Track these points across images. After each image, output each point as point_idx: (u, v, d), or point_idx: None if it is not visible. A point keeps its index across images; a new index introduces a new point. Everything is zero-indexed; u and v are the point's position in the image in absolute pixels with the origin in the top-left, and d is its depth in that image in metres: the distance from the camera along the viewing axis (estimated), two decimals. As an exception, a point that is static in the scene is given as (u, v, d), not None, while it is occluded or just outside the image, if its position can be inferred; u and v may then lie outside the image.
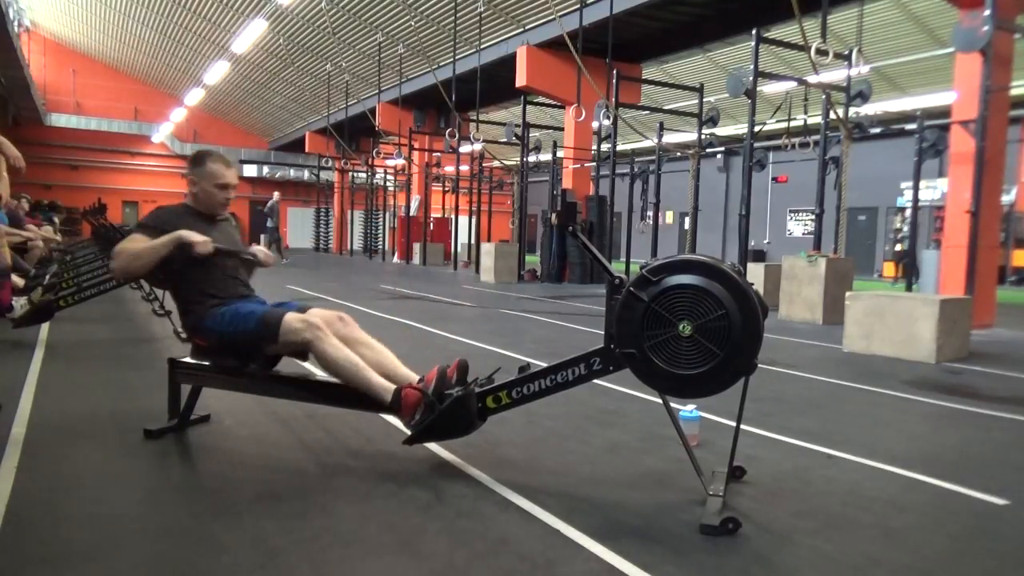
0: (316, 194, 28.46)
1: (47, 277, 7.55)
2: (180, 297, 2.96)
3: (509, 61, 14.77)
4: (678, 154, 17.12)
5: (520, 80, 14.24)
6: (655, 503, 2.53)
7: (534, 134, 16.45)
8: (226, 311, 2.85)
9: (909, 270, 10.46)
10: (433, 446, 2.94)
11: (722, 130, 17.15)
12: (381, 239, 23.82)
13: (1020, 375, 5.41)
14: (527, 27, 14.61)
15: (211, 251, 2.84)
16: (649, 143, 13.81)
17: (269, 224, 18.69)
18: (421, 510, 2.36)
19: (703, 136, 13.15)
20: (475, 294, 11.02)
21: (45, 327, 5.81)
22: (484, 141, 15.47)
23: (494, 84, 15.95)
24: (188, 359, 3.13)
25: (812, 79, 9.24)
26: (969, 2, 8.00)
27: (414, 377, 2.78)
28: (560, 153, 15.04)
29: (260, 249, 3.15)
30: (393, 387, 2.67)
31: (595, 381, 2.64)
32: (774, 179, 19.98)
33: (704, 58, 17.28)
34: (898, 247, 18.33)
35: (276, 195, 19.19)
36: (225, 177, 3.02)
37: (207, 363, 3.11)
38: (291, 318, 2.74)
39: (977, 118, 7.75)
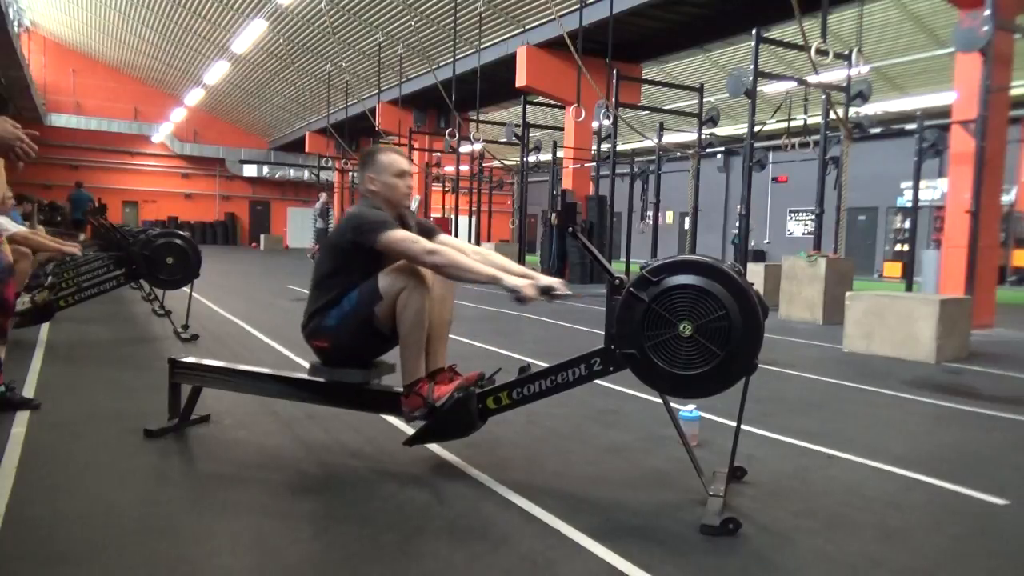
0: (316, 194, 28.44)
1: (47, 277, 7.55)
2: (322, 299, 2.74)
3: (509, 61, 14.77)
4: (678, 154, 17.12)
5: (520, 80, 14.24)
6: (655, 503, 2.53)
7: (534, 134, 16.45)
8: (335, 310, 2.73)
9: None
10: (433, 446, 2.94)
11: (722, 130, 17.14)
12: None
13: (1020, 375, 5.41)
14: (527, 27, 14.61)
15: (535, 296, 2.49)
16: (649, 143, 13.81)
17: (319, 225, 18.84)
18: (421, 510, 2.37)
19: (703, 136, 13.14)
20: (475, 294, 11.02)
21: (45, 327, 5.81)
22: (484, 141, 15.47)
23: (494, 84, 15.95)
24: (188, 359, 3.14)
25: (812, 79, 9.24)
26: (969, 2, 8.00)
27: (446, 365, 2.77)
28: (560, 153, 15.04)
29: (557, 281, 2.59)
30: (421, 375, 2.65)
31: (595, 381, 2.64)
32: (774, 179, 19.98)
33: (704, 58, 17.28)
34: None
35: (323, 196, 19.40)
36: (402, 164, 2.83)
37: (207, 363, 3.12)
38: (383, 274, 2.62)
39: (977, 118, 7.75)
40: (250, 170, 30.40)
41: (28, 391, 3.72)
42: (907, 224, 16.92)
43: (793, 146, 11.46)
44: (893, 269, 18.52)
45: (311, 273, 2.85)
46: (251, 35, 17.79)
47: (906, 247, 15.09)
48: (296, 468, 2.78)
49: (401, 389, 2.69)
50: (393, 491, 2.52)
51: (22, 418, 3.25)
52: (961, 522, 2.46)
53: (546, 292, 2.52)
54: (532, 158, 16.04)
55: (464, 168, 20.77)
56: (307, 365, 2.89)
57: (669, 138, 15.86)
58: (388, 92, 19.45)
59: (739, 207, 9.80)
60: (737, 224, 15.99)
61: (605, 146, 13.34)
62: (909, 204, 10.53)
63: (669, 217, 24.22)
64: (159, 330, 6.15)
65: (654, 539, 2.20)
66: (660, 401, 2.54)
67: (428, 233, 2.86)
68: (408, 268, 2.64)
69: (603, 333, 2.49)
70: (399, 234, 2.61)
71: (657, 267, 2.39)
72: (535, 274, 2.63)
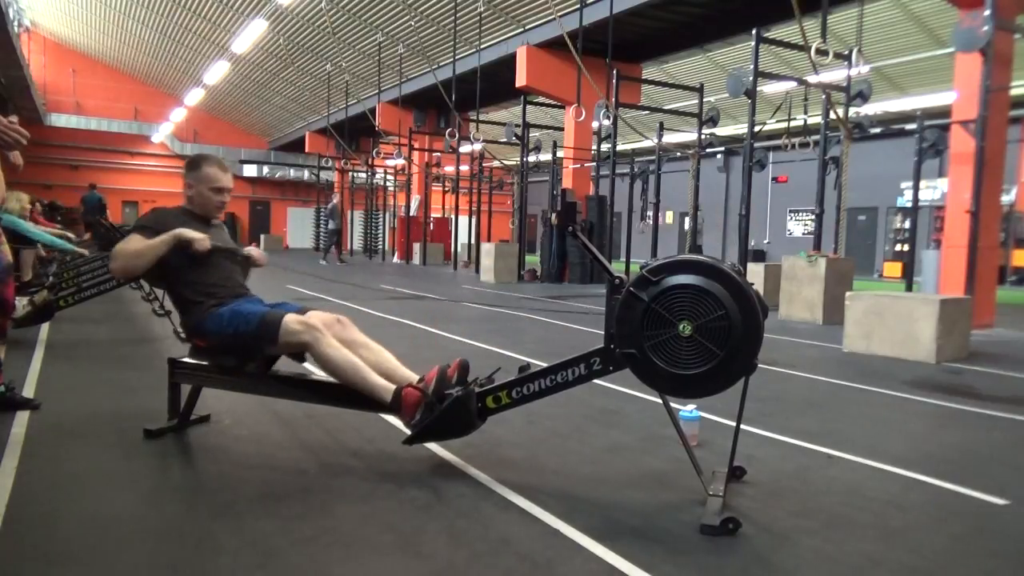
0: (316, 194, 28.46)
1: (48, 277, 7.55)
2: (178, 297, 2.97)
3: (509, 61, 14.77)
4: (678, 154, 17.12)
5: (520, 80, 14.25)
6: (655, 503, 2.53)
7: (534, 134, 16.44)
8: (225, 311, 2.86)
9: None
10: (433, 446, 2.94)
11: (722, 130, 17.14)
12: (381, 239, 23.83)
13: (1020, 375, 5.41)
14: (527, 27, 14.61)
15: (208, 248, 2.87)
16: (649, 143, 13.81)
17: (331, 226, 19.03)
18: (421, 510, 2.37)
19: (703, 136, 13.15)
20: (475, 294, 11.02)
21: (45, 327, 5.81)
22: (484, 141, 15.47)
23: (494, 84, 15.95)
24: (188, 359, 3.13)
25: (812, 79, 9.24)
26: (969, 2, 8.00)
27: (414, 377, 2.78)
28: (560, 153, 15.04)
29: (254, 249, 3.21)
30: (393, 387, 2.67)
31: (595, 381, 2.64)
32: (774, 179, 19.98)
33: (704, 58, 17.28)
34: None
35: (336, 198, 19.58)
36: (221, 181, 3.08)
37: (207, 363, 3.12)
38: (290, 320, 2.74)
39: (977, 118, 7.75)
40: (250, 170, 30.41)
41: (28, 391, 3.72)
42: (907, 224, 16.93)
43: (793, 146, 11.46)
44: (893, 269, 18.52)
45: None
46: (251, 35, 17.80)
47: (906, 247, 15.10)
48: (296, 468, 2.78)
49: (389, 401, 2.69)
50: (393, 491, 2.52)
51: (22, 418, 3.25)
52: (961, 522, 2.46)
53: (228, 252, 2.94)
54: (532, 158, 16.04)
55: (464, 168, 20.77)
56: (307, 365, 2.90)
57: (669, 138, 15.86)
58: (388, 92, 19.45)
59: (740, 208, 9.79)
60: (689, 225, 15.89)
61: (605, 146, 13.34)
62: (909, 204, 10.54)
63: (669, 217, 24.22)
64: (159, 330, 6.14)
65: (654, 539, 2.20)
66: (660, 401, 2.54)
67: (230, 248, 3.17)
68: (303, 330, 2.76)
69: (603, 333, 2.49)
70: (120, 243, 2.89)
71: (657, 267, 2.39)
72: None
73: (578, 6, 12.26)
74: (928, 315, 5.76)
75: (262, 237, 28.22)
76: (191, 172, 3.08)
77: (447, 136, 16.29)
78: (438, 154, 20.10)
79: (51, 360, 4.69)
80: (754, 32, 9.12)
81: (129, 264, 2.84)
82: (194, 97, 26.03)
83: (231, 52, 20.23)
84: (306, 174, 30.08)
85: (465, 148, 18.02)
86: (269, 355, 2.90)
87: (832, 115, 9.28)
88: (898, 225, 19.97)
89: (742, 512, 2.35)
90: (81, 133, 27.20)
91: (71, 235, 6.98)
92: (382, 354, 2.88)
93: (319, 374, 2.96)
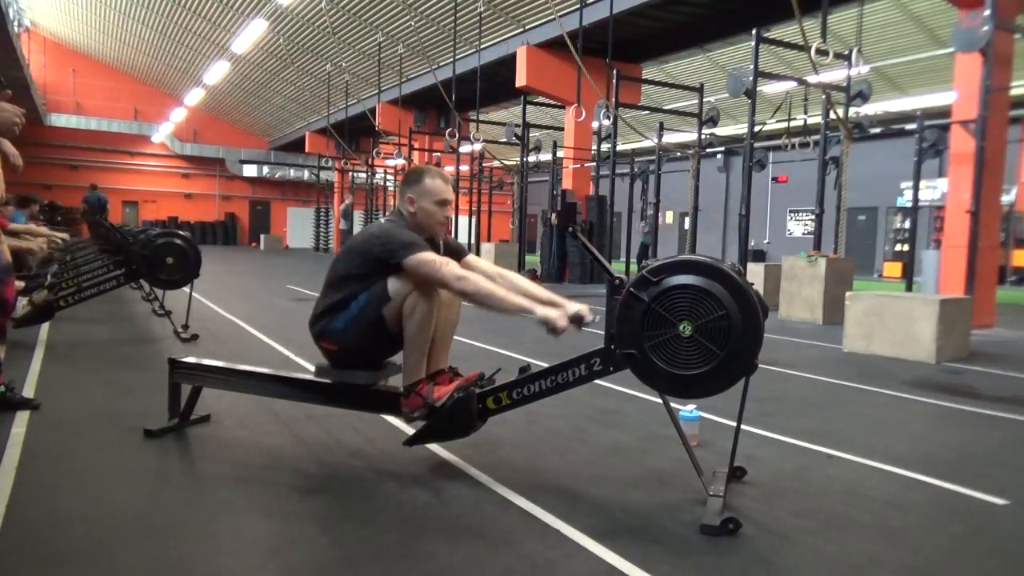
0: (316, 194, 28.45)
1: (48, 277, 7.56)
2: (332, 302, 2.72)
3: (509, 61, 14.76)
4: (678, 154, 17.12)
5: (520, 80, 14.24)
6: (655, 503, 2.53)
7: (534, 134, 16.44)
8: (347, 309, 2.71)
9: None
10: (433, 446, 2.94)
11: (722, 130, 17.13)
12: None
13: (1020, 375, 5.41)
14: (527, 27, 14.60)
15: (566, 328, 2.47)
16: (649, 143, 13.81)
17: (343, 227, 19.19)
18: (421, 510, 2.37)
19: (703, 136, 13.14)
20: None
21: (45, 327, 5.81)
22: (484, 141, 15.46)
23: (494, 84, 15.94)
24: (188, 359, 3.14)
25: (812, 79, 9.23)
26: (969, 2, 8.00)
27: (446, 367, 2.82)
28: (560, 153, 15.04)
29: (584, 308, 2.54)
30: (422, 376, 2.67)
31: (595, 381, 2.64)
32: (774, 179, 19.98)
33: (704, 58, 17.27)
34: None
35: (349, 198, 19.73)
36: (445, 193, 2.77)
37: (207, 363, 3.12)
38: (392, 277, 2.60)
39: (977, 118, 7.75)
40: (250, 170, 30.39)
41: (28, 391, 3.72)
42: (907, 224, 16.93)
43: (793, 146, 11.45)
44: (893, 269, 18.51)
45: (325, 273, 2.83)
46: (251, 35, 17.79)
47: (906, 247, 15.09)
48: (296, 468, 2.78)
49: (402, 389, 2.69)
50: (393, 491, 2.52)
51: (22, 418, 3.25)
52: (961, 522, 2.46)
53: (575, 321, 2.50)
54: (532, 158, 16.04)
55: (464, 168, 20.77)
56: (307, 365, 2.89)
57: (669, 138, 15.86)
58: (388, 92, 19.44)
59: (740, 208, 9.79)
60: (642, 226, 15.91)
61: (605, 146, 13.34)
62: (909, 204, 10.53)
63: (669, 217, 24.22)
64: (159, 330, 6.14)
65: (654, 539, 2.20)
66: (660, 401, 2.55)
67: (457, 253, 2.88)
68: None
69: (603, 333, 2.49)
70: (427, 256, 2.58)
71: (657, 267, 2.39)
72: (561, 300, 2.60)
73: (578, 6, 12.25)
74: (928, 315, 5.75)
75: (262, 237, 28.22)
76: (412, 185, 2.76)
77: (447, 136, 16.27)
78: (438, 154, 20.08)
79: (51, 360, 4.69)
80: (754, 32, 9.11)
81: (476, 300, 2.56)
82: (194, 97, 26.02)
83: (231, 52, 20.22)
84: (306, 174, 30.07)
85: (465, 148, 18.01)
86: (392, 328, 2.66)
87: (832, 115, 9.27)
88: (898, 225, 19.97)
89: (742, 512, 2.35)
90: (81, 133, 27.19)
91: (64, 236, 6.96)
92: (449, 321, 2.88)
93: (327, 376, 2.92)
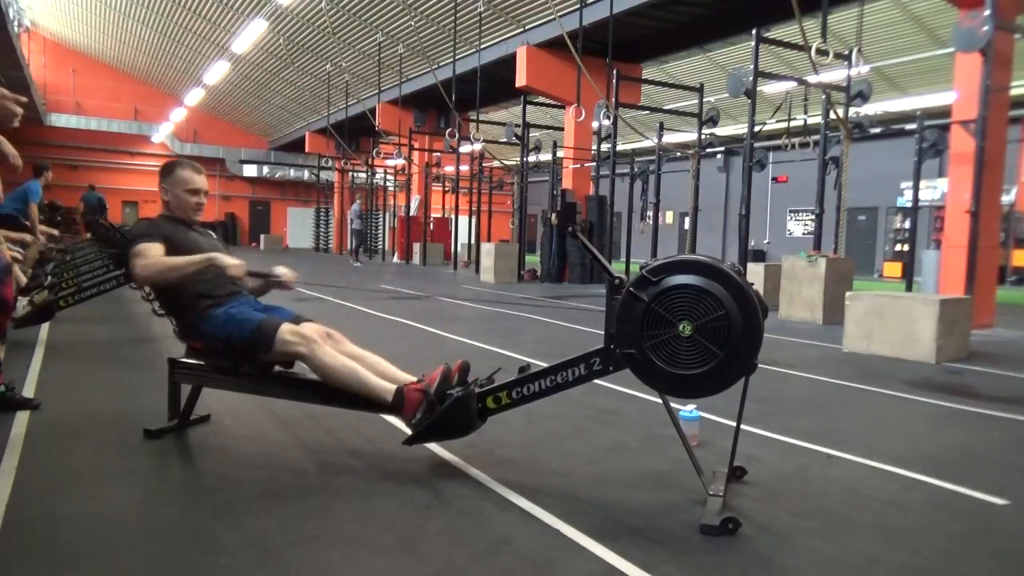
0: (316, 194, 28.47)
1: (47, 277, 7.56)
2: (173, 299, 2.97)
3: (509, 61, 14.77)
4: (678, 154, 17.12)
5: (520, 80, 14.24)
6: (655, 503, 2.53)
7: (534, 134, 16.45)
8: (220, 313, 2.86)
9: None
10: (433, 446, 2.94)
11: (722, 130, 17.14)
12: (381, 239, 23.84)
13: (1020, 375, 5.41)
14: (527, 27, 14.61)
15: (243, 274, 2.83)
16: (649, 143, 13.81)
17: (355, 227, 19.46)
18: (421, 510, 2.37)
19: (703, 136, 13.15)
20: (475, 294, 11.02)
21: (45, 327, 5.81)
22: (484, 141, 15.47)
23: (494, 84, 15.95)
24: (188, 359, 3.14)
25: (812, 79, 9.24)
26: (969, 2, 8.00)
27: (411, 379, 2.78)
28: (560, 153, 15.04)
29: (283, 270, 3.13)
30: (394, 387, 2.67)
31: (595, 381, 2.64)
32: (774, 179, 19.98)
33: (704, 58, 17.28)
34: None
35: (359, 199, 20.16)
36: (195, 182, 3.07)
37: (205, 363, 3.12)
38: (285, 330, 2.74)
39: (977, 118, 7.75)
40: (250, 170, 30.41)
41: (28, 391, 3.72)
42: (907, 224, 16.93)
43: (793, 146, 11.46)
44: (893, 269, 18.52)
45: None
46: (251, 35, 17.80)
47: (906, 247, 15.10)
48: (296, 468, 2.78)
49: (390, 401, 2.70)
50: (393, 491, 2.52)
51: (22, 418, 3.25)
52: (961, 522, 2.46)
53: (260, 276, 2.88)
54: (532, 158, 16.04)
55: (464, 168, 20.77)
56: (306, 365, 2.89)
57: (669, 138, 15.86)
58: (388, 92, 19.45)
59: (740, 208, 9.79)
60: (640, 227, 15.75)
61: (605, 146, 13.34)
62: (909, 204, 10.54)
63: (669, 217, 24.22)
64: (159, 330, 6.14)
65: (654, 539, 2.20)
66: (660, 401, 2.55)
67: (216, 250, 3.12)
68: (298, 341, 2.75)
69: (603, 333, 2.49)
70: (136, 249, 2.85)
71: (657, 267, 2.39)
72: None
73: (578, 6, 12.25)
74: (928, 315, 5.76)
75: (262, 237, 28.25)
76: (165, 177, 3.08)
77: (447, 136, 16.29)
78: (438, 154, 20.10)
79: (51, 360, 4.69)
80: (754, 32, 9.12)
81: (161, 276, 2.82)
82: (194, 97, 26.03)
83: (231, 52, 20.23)
84: (306, 174, 30.09)
85: (465, 148, 18.02)
86: (263, 361, 2.89)
87: (832, 115, 9.28)
88: (898, 225, 19.97)
89: (742, 512, 2.35)
90: (81, 133, 27.20)
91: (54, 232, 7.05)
92: (379, 362, 2.88)
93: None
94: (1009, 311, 9.98)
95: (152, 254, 2.82)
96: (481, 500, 2.46)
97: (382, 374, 2.80)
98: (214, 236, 3.30)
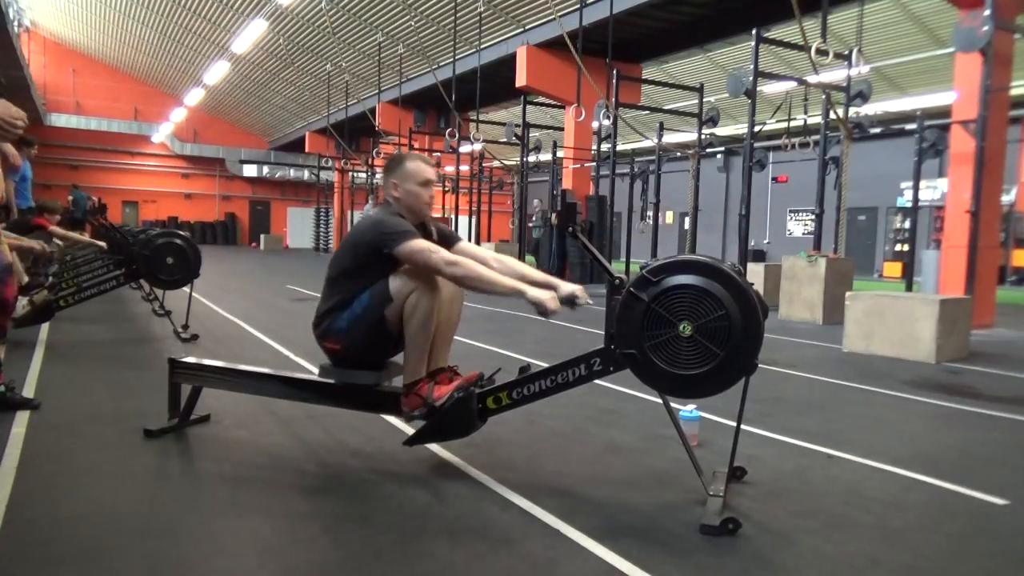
0: (316, 194, 28.45)
1: (47, 277, 7.56)
2: (344, 303, 2.70)
3: (509, 61, 14.76)
4: (678, 154, 17.11)
5: (520, 80, 14.24)
6: (655, 503, 2.53)
7: (534, 134, 16.43)
8: (349, 309, 2.70)
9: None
10: (433, 446, 2.94)
11: (722, 130, 17.12)
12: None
13: (1020, 375, 5.41)
14: (527, 27, 14.60)
15: (558, 309, 2.50)
16: (649, 143, 13.80)
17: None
18: (421, 510, 2.37)
19: (703, 136, 13.14)
20: (475, 294, 11.01)
21: (45, 327, 5.81)
22: (484, 141, 15.46)
23: (494, 84, 15.94)
24: (188, 359, 3.14)
25: (812, 79, 9.23)
26: (969, 2, 8.00)
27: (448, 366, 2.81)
28: (560, 153, 15.04)
29: (580, 291, 2.60)
30: (422, 375, 2.66)
31: (595, 381, 2.64)
32: (774, 179, 19.97)
33: (704, 58, 17.27)
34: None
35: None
36: (428, 173, 2.83)
37: (207, 363, 3.12)
38: (406, 249, 2.57)
39: (977, 118, 7.75)
40: (250, 170, 30.38)
41: (28, 391, 3.72)
42: (907, 224, 16.91)
43: (793, 146, 11.45)
44: (893, 269, 18.51)
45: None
46: (251, 35, 17.79)
47: (906, 247, 15.08)
48: (296, 468, 2.78)
49: (402, 389, 2.69)
50: (393, 491, 2.52)
51: (22, 418, 3.25)
52: (961, 522, 2.46)
53: (568, 302, 2.53)
54: (532, 158, 16.02)
55: (464, 168, 20.77)
56: (307, 365, 2.90)
57: (669, 138, 15.84)
58: (388, 92, 19.44)
59: (740, 208, 9.79)
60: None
61: (605, 146, 13.33)
62: (909, 204, 10.53)
63: (669, 217, 24.21)
64: (159, 330, 6.14)
65: (654, 539, 2.20)
66: (660, 401, 2.54)
67: (448, 240, 2.88)
68: (419, 270, 2.62)
69: (603, 333, 2.49)
70: (419, 244, 2.59)
71: (657, 267, 2.39)
72: (556, 282, 2.63)
73: (578, 6, 12.24)
74: (928, 315, 5.75)
75: (262, 237, 28.23)
76: (395, 171, 2.81)
77: (447, 136, 16.27)
78: (438, 154, 20.08)
79: (51, 360, 4.69)
80: (754, 32, 9.11)
81: (472, 284, 2.58)
82: (194, 97, 26.01)
83: (231, 52, 20.21)
84: (306, 174, 30.06)
85: (465, 148, 18.01)
86: (394, 328, 2.64)
87: (832, 115, 9.27)
88: (898, 225, 19.96)
89: (742, 512, 2.35)
90: (81, 133, 27.17)
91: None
92: (451, 320, 2.86)
93: (330, 376, 2.90)
94: (1009, 311, 9.98)
95: (445, 253, 2.60)
96: (481, 500, 2.46)
97: (438, 348, 2.79)
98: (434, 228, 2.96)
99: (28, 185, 6.98)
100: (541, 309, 2.46)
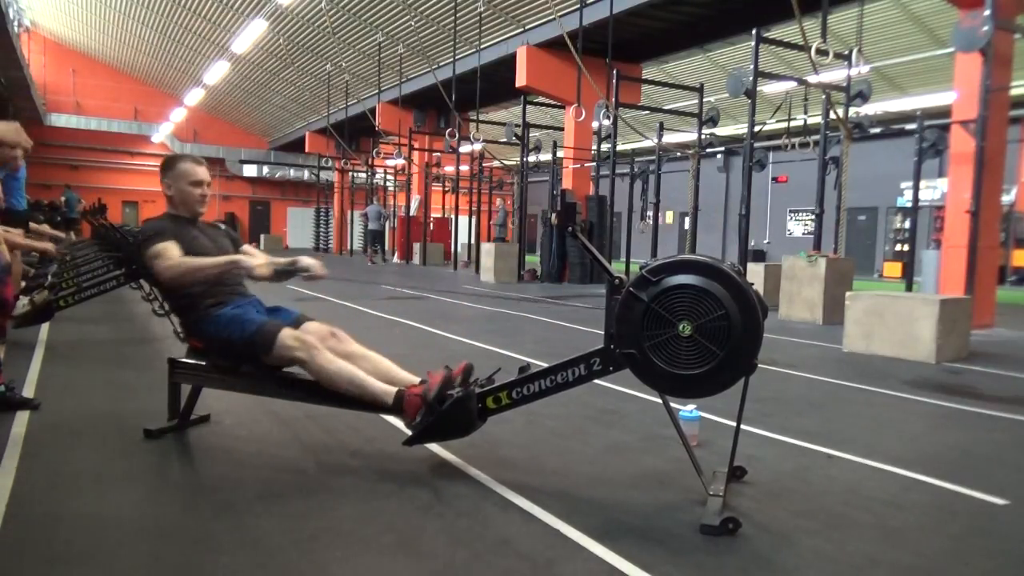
0: (316, 194, 28.46)
1: (48, 277, 7.55)
2: (175, 298, 2.98)
3: (509, 61, 14.76)
4: (678, 154, 17.11)
5: (520, 80, 14.24)
6: (655, 503, 2.53)
7: (534, 134, 16.44)
8: (224, 314, 2.86)
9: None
10: (433, 446, 2.93)
11: (722, 130, 17.13)
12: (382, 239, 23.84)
13: (1020, 375, 5.41)
14: (527, 27, 14.61)
15: (269, 274, 2.75)
16: (649, 143, 13.81)
17: (373, 227, 19.79)
18: (421, 510, 2.37)
19: (703, 136, 13.14)
20: (475, 294, 11.02)
21: (45, 327, 5.81)
22: (484, 141, 15.46)
23: (494, 84, 15.94)
24: (188, 359, 3.14)
25: (812, 79, 9.24)
26: (969, 2, 8.00)
27: (414, 379, 2.78)
28: (560, 153, 15.04)
29: (310, 261, 2.92)
30: (394, 390, 2.67)
31: (595, 381, 2.64)
32: (774, 179, 19.97)
33: (704, 58, 17.28)
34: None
35: (375, 202, 20.64)
36: (197, 174, 3.06)
37: (205, 363, 3.12)
38: (286, 335, 2.73)
39: (977, 118, 7.75)
40: (250, 170, 30.40)
41: (28, 391, 3.72)
42: (907, 224, 16.91)
43: (793, 146, 11.45)
44: (893, 269, 18.51)
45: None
46: (251, 35, 17.80)
47: (906, 247, 15.09)
48: (296, 468, 2.78)
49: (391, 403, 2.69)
50: (393, 491, 2.52)
51: (22, 418, 3.25)
52: (961, 522, 2.46)
53: (286, 273, 2.77)
54: (532, 158, 16.03)
55: (464, 168, 20.77)
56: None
57: (669, 138, 15.85)
58: (388, 92, 19.45)
59: (740, 208, 9.79)
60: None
61: (605, 146, 13.34)
62: (909, 204, 10.54)
63: (669, 217, 24.21)
64: (159, 330, 6.14)
65: (654, 539, 2.20)
66: (660, 401, 2.55)
67: (236, 243, 3.17)
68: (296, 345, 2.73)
69: (603, 333, 2.49)
70: (154, 250, 2.81)
71: (656, 267, 2.39)
72: (279, 259, 2.85)
73: (578, 6, 12.25)
74: (928, 315, 5.75)
75: (262, 237, 28.24)
76: (167, 172, 3.06)
77: (447, 136, 16.28)
78: (438, 154, 20.11)
79: (51, 360, 4.69)
80: (754, 32, 9.11)
81: (187, 278, 2.81)
82: (194, 97, 26.02)
83: (231, 52, 20.22)
84: (306, 174, 30.08)
85: (465, 148, 18.02)
86: (264, 363, 2.87)
87: (832, 115, 9.27)
88: (898, 225, 19.96)
89: (742, 512, 2.35)
90: (81, 133, 27.19)
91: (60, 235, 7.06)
92: (381, 362, 2.88)
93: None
94: (1009, 311, 9.98)
95: (173, 254, 2.80)
96: (481, 500, 2.46)
97: (385, 374, 2.80)
98: (222, 228, 3.29)
99: (21, 185, 6.98)
100: (251, 274, 2.74)
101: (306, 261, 2.85)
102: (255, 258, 2.86)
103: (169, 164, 3.09)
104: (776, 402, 4.16)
